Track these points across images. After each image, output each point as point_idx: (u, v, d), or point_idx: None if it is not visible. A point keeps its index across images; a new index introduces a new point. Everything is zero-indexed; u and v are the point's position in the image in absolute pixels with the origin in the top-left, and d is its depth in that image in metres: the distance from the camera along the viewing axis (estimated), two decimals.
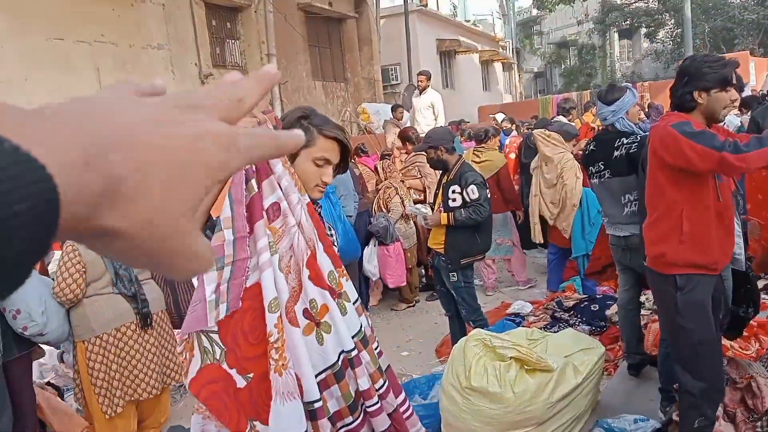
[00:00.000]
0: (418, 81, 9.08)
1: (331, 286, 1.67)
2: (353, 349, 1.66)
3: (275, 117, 1.57)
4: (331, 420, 1.64)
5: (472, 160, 6.10)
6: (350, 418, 1.67)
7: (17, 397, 3.34)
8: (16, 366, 3.31)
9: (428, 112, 8.84)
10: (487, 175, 5.84)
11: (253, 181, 1.58)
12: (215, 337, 1.58)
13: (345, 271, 1.78)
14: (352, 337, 1.69)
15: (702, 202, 2.53)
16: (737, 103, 2.65)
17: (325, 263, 1.68)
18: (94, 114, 0.34)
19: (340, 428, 1.66)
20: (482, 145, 6.21)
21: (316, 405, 1.60)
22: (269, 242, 1.58)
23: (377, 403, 1.69)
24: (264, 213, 1.58)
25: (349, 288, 1.75)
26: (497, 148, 6.25)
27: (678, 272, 2.60)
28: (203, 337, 1.60)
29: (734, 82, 2.54)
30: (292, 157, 1.78)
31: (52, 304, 3.26)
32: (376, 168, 6.76)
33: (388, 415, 1.74)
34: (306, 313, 1.62)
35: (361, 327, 1.74)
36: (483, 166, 5.93)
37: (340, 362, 1.64)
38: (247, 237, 1.56)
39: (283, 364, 1.55)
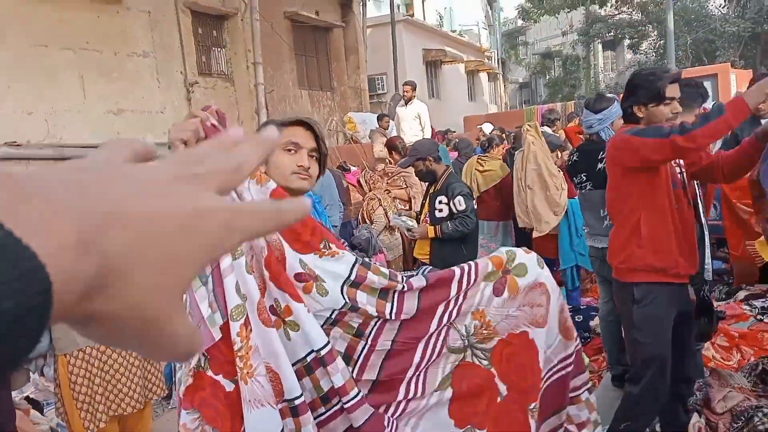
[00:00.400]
0: (403, 91, 9.06)
1: (293, 288, 1.63)
2: (324, 346, 1.62)
3: (217, 111, 1.52)
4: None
5: (475, 169, 6.12)
6: (322, 409, 1.66)
7: None
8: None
9: (414, 123, 8.84)
10: (489, 184, 5.86)
11: None
12: None
13: (338, 247, 1.73)
14: (332, 314, 1.67)
15: (658, 208, 2.55)
16: (677, 116, 2.60)
17: (292, 261, 1.64)
18: (88, 187, 0.32)
19: (314, 419, 1.65)
20: (486, 154, 6.21)
21: (297, 402, 1.59)
22: None
23: (355, 397, 1.66)
24: None
25: (337, 266, 1.70)
26: (501, 157, 6.23)
27: (638, 280, 2.59)
28: None
29: (669, 95, 2.53)
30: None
31: None
32: (358, 182, 6.77)
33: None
34: (272, 309, 1.61)
35: (343, 305, 1.69)
36: (486, 175, 5.94)
37: (309, 360, 1.62)
38: None
39: (248, 372, 1.54)
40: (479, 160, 6.20)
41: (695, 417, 3.07)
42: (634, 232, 2.60)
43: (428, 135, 8.60)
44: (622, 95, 2.80)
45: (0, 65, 6.54)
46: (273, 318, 1.61)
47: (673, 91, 2.56)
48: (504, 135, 9.10)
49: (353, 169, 7.40)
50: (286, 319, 1.61)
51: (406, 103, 8.91)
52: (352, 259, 1.72)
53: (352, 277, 1.69)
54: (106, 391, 3.32)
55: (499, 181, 5.93)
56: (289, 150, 1.76)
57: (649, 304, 2.57)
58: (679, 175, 2.65)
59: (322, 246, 1.68)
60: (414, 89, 9.06)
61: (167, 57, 8.62)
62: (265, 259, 1.61)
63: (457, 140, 9.33)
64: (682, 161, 2.69)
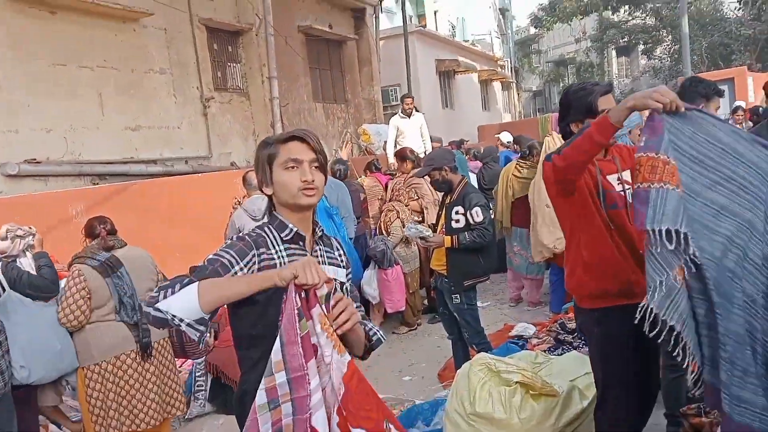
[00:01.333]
0: (404, 104, 8.99)
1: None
2: None
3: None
4: None
5: (513, 174, 6.11)
6: None
7: (19, 421, 3.31)
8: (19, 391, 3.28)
9: (418, 135, 8.81)
10: (524, 192, 5.83)
11: (305, 320, 1.54)
12: None
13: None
14: None
15: (595, 229, 2.41)
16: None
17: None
18: None
19: None
20: (525, 160, 6.17)
21: None
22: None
23: None
24: (314, 352, 1.55)
25: None
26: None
27: (595, 306, 2.44)
28: None
29: (603, 107, 2.39)
30: (271, 178, 1.78)
31: (40, 350, 3.20)
32: (386, 185, 6.77)
33: None
34: None
35: None
36: (523, 183, 5.93)
37: None
38: (306, 375, 1.52)
39: None
40: (518, 166, 6.15)
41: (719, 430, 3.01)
42: (577, 255, 2.48)
43: (429, 147, 8.57)
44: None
45: (20, 83, 6.66)
46: None
47: (606, 102, 2.44)
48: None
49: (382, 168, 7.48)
50: None
51: (408, 116, 8.88)
52: None
53: None
54: (120, 407, 3.34)
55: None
56: (291, 167, 1.77)
57: (608, 323, 2.41)
58: (621, 193, 2.45)
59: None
60: (413, 101, 9.08)
61: (183, 73, 8.72)
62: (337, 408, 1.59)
63: (482, 149, 9.31)
64: (628, 178, 2.48)
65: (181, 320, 1.53)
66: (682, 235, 1.84)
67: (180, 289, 1.53)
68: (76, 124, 7.15)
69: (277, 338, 1.52)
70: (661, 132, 1.95)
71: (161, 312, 1.52)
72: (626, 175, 2.49)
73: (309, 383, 1.53)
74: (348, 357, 1.61)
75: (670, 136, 1.96)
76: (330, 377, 1.56)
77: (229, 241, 1.77)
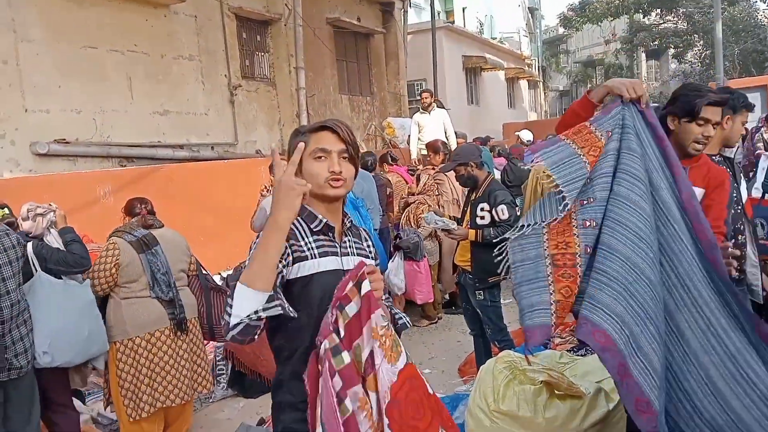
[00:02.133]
0: (422, 99, 8.92)
1: None
2: None
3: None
4: None
5: (543, 172, 6.04)
6: None
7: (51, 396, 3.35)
8: (48, 378, 3.31)
9: (438, 130, 8.67)
10: None
11: (347, 402, 1.53)
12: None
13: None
14: None
15: None
16: (707, 141, 2.46)
17: None
18: None
19: None
20: None
21: None
22: None
23: None
24: None
25: None
26: None
27: None
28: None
29: (704, 116, 2.38)
30: (300, 169, 1.76)
31: (67, 336, 3.20)
32: (414, 175, 6.74)
33: None
34: None
35: None
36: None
37: None
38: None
39: None
40: None
41: None
42: None
43: (453, 143, 8.48)
44: None
45: (52, 65, 6.73)
46: None
47: (711, 113, 2.41)
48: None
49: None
50: None
51: (428, 111, 8.80)
52: None
53: None
54: (153, 382, 3.36)
55: None
56: (319, 157, 1.75)
57: None
58: None
59: None
60: (432, 96, 8.98)
61: (212, 60, 8.75)
62: None
63: (508, 147, 9.24)
64: None
65: (256, 312, 1.52)
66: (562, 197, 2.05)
67: (233, 298, 1.53)
68: (105, 107, 7.22)
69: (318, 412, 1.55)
70: (610, 114, 2.14)
71: (237, 327, 1.52)
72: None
73: None
74: (399, 366, 1.60)
75: (620, 125, 2.11)
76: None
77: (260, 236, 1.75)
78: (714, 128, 2.46)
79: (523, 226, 2.12)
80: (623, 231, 1.99)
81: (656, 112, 3.70)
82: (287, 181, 1.58)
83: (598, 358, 1.95)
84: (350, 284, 1.60)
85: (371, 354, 1.57)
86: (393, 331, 1.63)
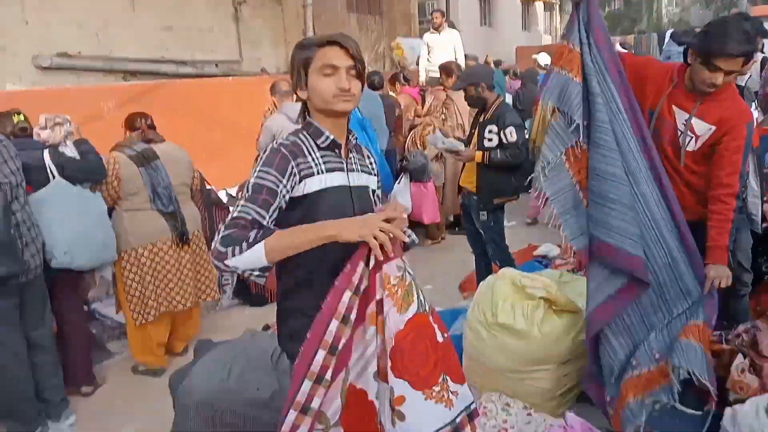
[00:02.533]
0: (433, 18, 8.68)
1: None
2: None
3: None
4: None
5: None
6: None
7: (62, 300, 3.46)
8: (61, 281, 3.40)
9: (448, 51, 8.46)
10: None
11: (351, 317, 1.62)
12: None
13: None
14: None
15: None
16: (714, 88, 2.40)
17: None
18: None
19: None
20: None
21: None
22: None
23: None
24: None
25: None
26: None
27: None
28: (420, 288, 1.70)
29: (717, 64, 2.32)
30: (306, 83, 1.75)
31: (84, 239, 3.26)
32: (421, 95, 6.65)
33: None
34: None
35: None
36: None
37: None
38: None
39: None
40: None
41: (739, 358, 3.02)
42: None
43: (462, 65, 8.28)
44: None
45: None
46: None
47: (726, 64, 2.33)
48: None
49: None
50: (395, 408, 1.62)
51: (438, 31, 8.58)
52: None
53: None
54: (157, 289, 3.53)
55: None
56: (327, 74, 1.71)
57: None
58: (677, 130, 2.66)
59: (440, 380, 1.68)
60: (443, 16, 8.75)
61: None
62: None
63: (525, 70, 9.04)
64: (696, 125, 2.66)
65: (251, 272, 1.60)
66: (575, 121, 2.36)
67: (248, 249, 1.56)
68: (108, 20, 7.05)
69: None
70: (574, 23, 2.46)
71: (230, 268, 1.59)
72: (697, 122, 2.51)
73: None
74: (409, 315, 1.64)
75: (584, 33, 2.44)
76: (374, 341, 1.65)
77: (265, 156, 1.72)
78: (728, 76, 2.38)
79: (549, 162, 2.46)
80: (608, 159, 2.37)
81: (677, 38, 3.62)
82: (375, 223, 1.57)
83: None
84: (360, 266, 1.61)
85: (380, 301, 1.62)
86: (409, 281, 1.66)
